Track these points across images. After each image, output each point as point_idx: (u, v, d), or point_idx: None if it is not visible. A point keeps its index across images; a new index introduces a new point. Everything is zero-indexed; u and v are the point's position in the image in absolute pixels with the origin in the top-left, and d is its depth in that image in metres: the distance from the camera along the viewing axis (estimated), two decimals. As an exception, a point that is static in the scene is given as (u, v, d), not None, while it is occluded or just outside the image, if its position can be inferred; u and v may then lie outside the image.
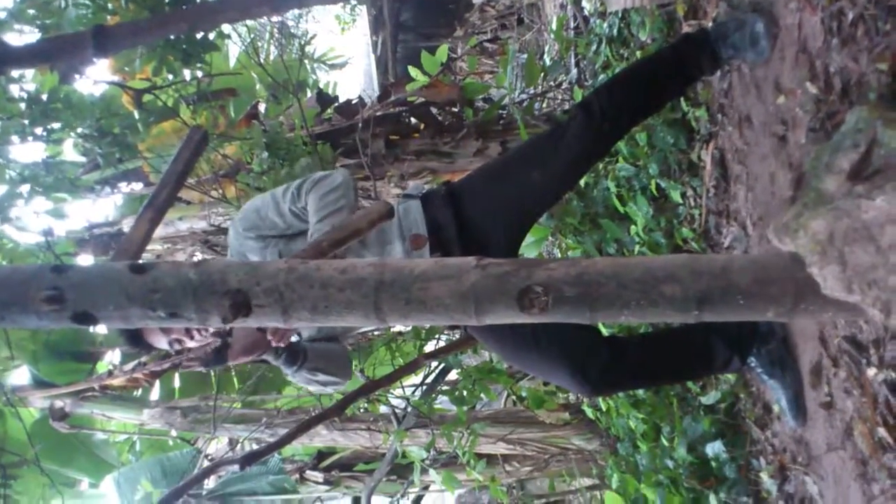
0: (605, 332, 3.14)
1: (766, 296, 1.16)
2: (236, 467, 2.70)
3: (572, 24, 4.91)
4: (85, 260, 5.60)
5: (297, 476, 5.06)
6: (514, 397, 4.73)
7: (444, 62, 4.89)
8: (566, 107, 4.73)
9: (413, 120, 4.77)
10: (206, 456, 5.30)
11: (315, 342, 2.32)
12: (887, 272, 1.07)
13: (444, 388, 4.66)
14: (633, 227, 3.22)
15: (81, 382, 5.31)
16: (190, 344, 2.03)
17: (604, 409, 3.79)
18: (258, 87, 6.08)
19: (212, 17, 2.69)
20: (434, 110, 4.70)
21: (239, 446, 5.07)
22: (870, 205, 1.12)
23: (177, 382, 5.75)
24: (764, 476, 2.55)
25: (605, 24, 3.75)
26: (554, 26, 4.76)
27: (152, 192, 1.48)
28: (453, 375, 4.93)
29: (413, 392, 4.85)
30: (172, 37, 3.04)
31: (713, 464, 2.79)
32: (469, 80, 5.23)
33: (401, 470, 4.78)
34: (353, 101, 5.00)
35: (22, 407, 5.21)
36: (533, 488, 5.03)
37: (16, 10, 3.33)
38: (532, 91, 5.18)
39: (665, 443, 3.10)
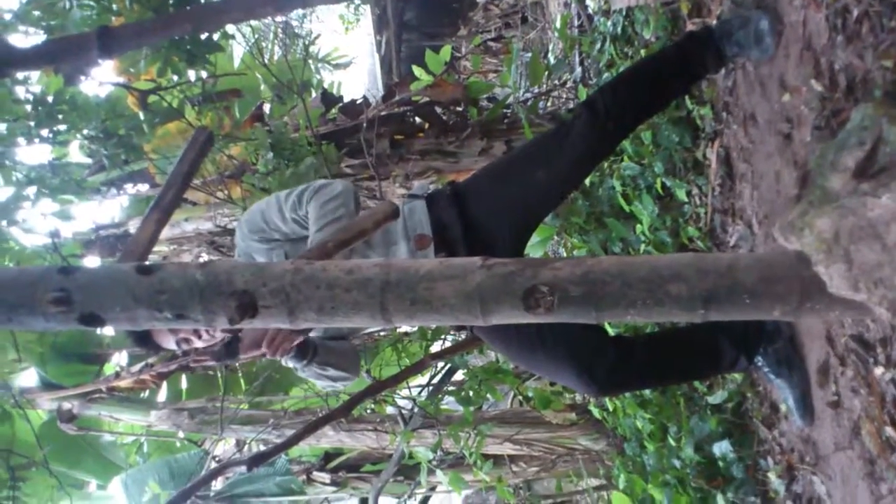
0: (611, 331, 3.13)
1: (772, 294, 1.16)
2: (243, 468, 2.71)
3: (576, 23, 4.91)
4: (92, 261, 5.62)
5: (305, 477, 5.07)
6: (520, 398, 4.73)
7: (448, 61, 4.89)
8: (571, 105, 4.73)
9: (417, 119, 4.77)
10: (214, 457, 5.32)
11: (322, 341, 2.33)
12: (893, 270, 1.07)
13: (451, 388, 4.65)
14: (638, 225, 3.22)
15: (89, 384, 5.34)
16: (197, 343, 2.04)
17: (610, 409, 3.78)
18: (263, 87, 6.09)
19: (216, 18, 2.69)
20: (438, 110, 4.70)
21: (246, 447, 5.07)
22: (875, 203, 1.11)
23: (184, 384, 5.77)
24: (772, 476, 2.54)
25: (610, 23, 3.74)
26: (558, 25, 4.76)
27: (158, 193, 1.48)
28: (459, 376, 4.93)
29: (419, 393, 4.85)
30: (177, 38, 3.05)
31: (720, 463, 2.79)
32: (473, 79, 5.22)
33: (408, 471, 4.78)
34: (358, 101, 5.00)
35: (30, 409, 5.24)
36: (540, 489, 5.03)
37: (21, 11, 3.34)
38: (536, 90, 5.18)
39: (672, 443, 3.09)
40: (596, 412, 4.07)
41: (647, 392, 3.27)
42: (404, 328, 4.86)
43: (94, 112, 3.73)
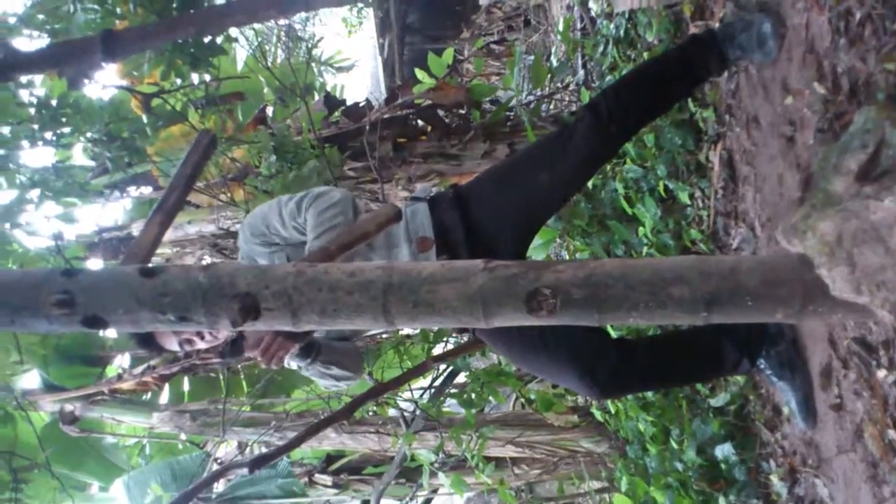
0: (613, 334, 3.13)
1: (774, 297, 1.16)
2: (245, 471, 2.71)
3: (579, 26, 4.91)
4: (95, 264, 5.63)
5: (307, 479, 5.06)
6: (522, 400, 4.72)
7: (451, 64, 4.90)
8: (573, 108, 4.73)
9: (420, 122, 4.78)
10: (216, 459, 5.31)
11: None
12: (897, 273, 1.07)
13: (453, 391, 4.65)
14: (641, 228, 3.22)
15: (91, 386, 5.35)
16: (200, 345, 2.05)
17: (613, 411, 3.78)
18: (266, 90, 6.10)
19: (219, 21, 2.71)
20: (441, 112, 4.71)
21: (248, 450, 5.07)
22: (878, 206, 1.11)
23: (186, 386, 5.77)
24: (774, 478, 2.54)
25: (612, 26, 3.74)
26: (561, 28, 4.76)
27: (161, 195, 1.48)
28: (462, 378, 4.93)
29: (422, 395, 4.85)
30: (180, 41, 3.06)
31: (723, 466, 2.78)
32: (476, 81, 5.22)
33: (410, 473, 4.78)
34: (361, 104, 5.02)
35: (32, 411, 5.24)
36: (542, 491, 5.02)
37: (25, 15, 3.35)
38: (539, 93, 5.18)
39: (674, 445, 3.09)
40: (598, 415, 4.07)
41: (649, 394, 3.26)
42: (406, 330, 4.86)
43: (97, 115, 3.74)
